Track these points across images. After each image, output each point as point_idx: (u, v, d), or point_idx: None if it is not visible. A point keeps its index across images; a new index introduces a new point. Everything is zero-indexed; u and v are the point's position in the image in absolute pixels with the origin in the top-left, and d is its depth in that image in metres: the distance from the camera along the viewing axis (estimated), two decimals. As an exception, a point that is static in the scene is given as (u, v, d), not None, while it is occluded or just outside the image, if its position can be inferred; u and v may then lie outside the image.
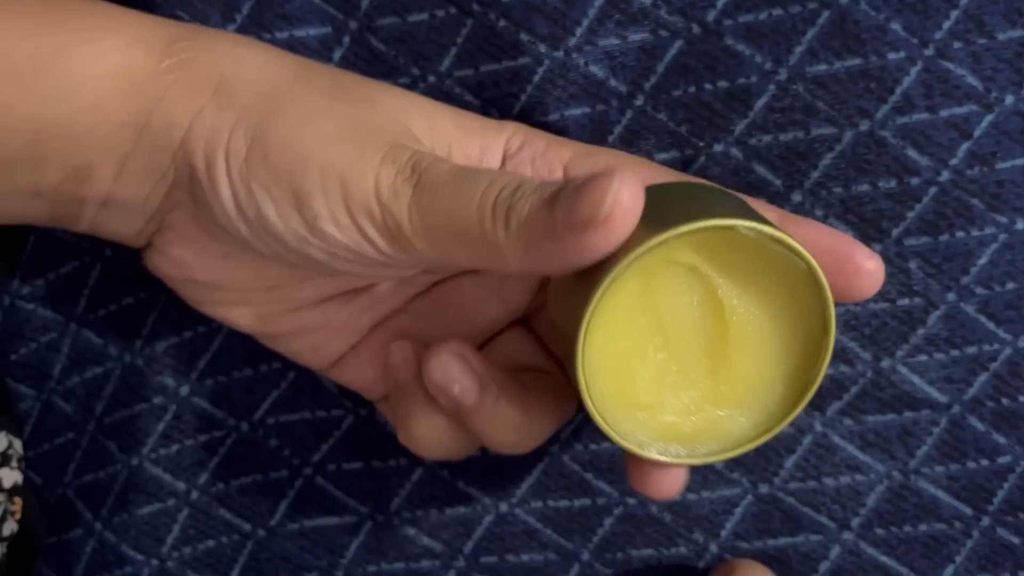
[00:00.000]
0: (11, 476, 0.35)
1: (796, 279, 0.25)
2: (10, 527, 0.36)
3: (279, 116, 0.26)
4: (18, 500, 0.36)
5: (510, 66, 0.30)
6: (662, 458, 0.26)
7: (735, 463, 0.32)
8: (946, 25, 0.29)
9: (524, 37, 0.30)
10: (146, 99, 0.26)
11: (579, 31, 0.30)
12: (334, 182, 0.25)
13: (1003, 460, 0.31)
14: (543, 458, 0.33)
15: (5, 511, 0.35)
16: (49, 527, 0.36)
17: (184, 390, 0.34)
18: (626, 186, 0.22)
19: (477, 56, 0.30)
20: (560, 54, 0.30)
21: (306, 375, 0.33)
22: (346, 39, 0.31)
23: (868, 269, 0.26)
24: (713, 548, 0.33)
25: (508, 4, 0.30)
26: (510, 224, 0.23)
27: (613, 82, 0.30)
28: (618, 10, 0.29)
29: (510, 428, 0.27)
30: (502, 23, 0.30)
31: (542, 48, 0.30)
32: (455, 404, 0.27)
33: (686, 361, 0.26)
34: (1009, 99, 0.29)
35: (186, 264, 0.28)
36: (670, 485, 0.27)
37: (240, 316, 0.29)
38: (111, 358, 0.35)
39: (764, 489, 0.32)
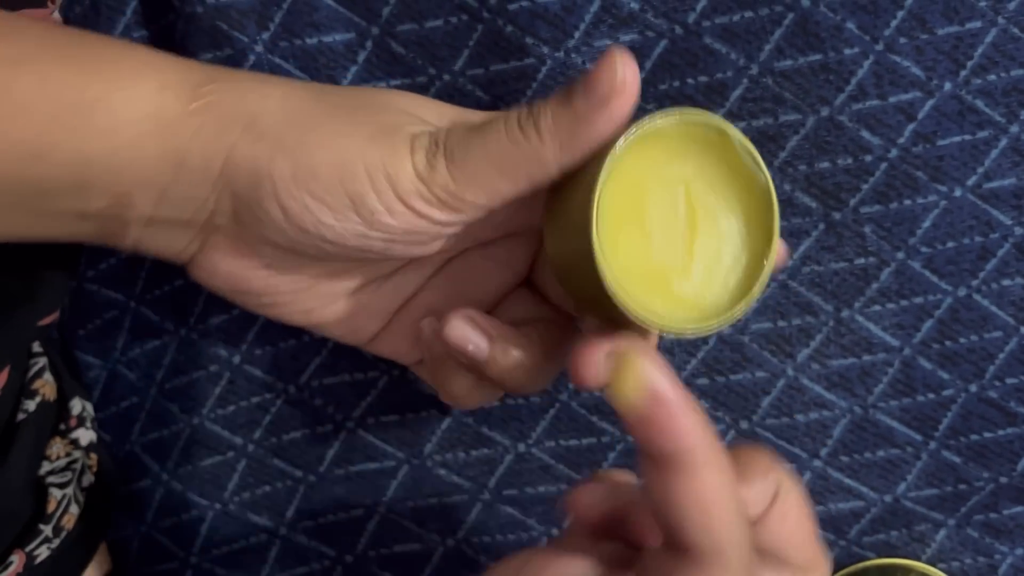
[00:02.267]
0: (87, 435, 0.40)
1: (755, 192, 0.28)
2: (88, 479, 0.40)
3: (313, 136, 0.29)
4: (94, 456, 0.40)
5: (517, 66, 0.34)
6: (667, 325, 0.27)
7: (719, 404, 0.37)
8: (893, 23, 0.33)
9: (529, 40, 0.34)
10: (179, 138, 0.29)
11: (577, 34, 0.34)
12: (381, 178, 0.28)
13: (947, 393, 0.36)
14: (555, 404, 0.38)
15: (83, 466, 0.40)
16: (120, 479, 0.41)
17: (236, 359, 0.38)
18: (624, 54, 0.26)
19: (487, 57, 0.35)
20: (561, 54, 0.34)
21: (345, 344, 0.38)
22: (368, 43, 0.35)
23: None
24: (702, 476, 0.38)
25: (514, 11, 0.34)
26: (541, 130, 0.27)
27: (607, 79, 0.34)
28: (610, 15, 0.34)
29: (522, 372, 0.31)
30: (509, 28, 0.34)
31: (545, 49, 0.34)
32: (472, 359, 0.30)
33: (667, 246, 0.28)
34: (947, 86, 0.33)
35: (231, 277, 0.31)
36: (604, 374, 0.27)
37: (288, 314, 0.32)
38: (168, 332, 0.39)
39: (744, 425, 0.37)
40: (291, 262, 0.31)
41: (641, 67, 0.34)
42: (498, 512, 0.39)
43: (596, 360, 0.26)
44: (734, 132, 0.27)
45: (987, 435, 0.36)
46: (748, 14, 0.33)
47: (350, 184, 0.28)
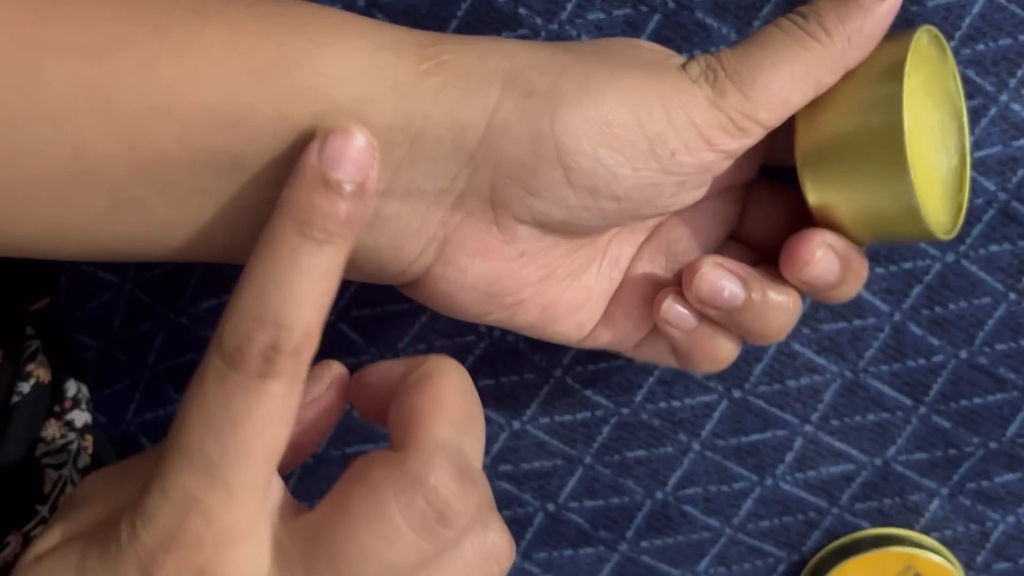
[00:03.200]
0: (82, 417, 0.40)
1: (951, 110, 0.30)
2: (83, 460, 0.40)
3: (593, 82, 0.26)
4: (88, 437, 0.40)
5: (509, 36, 0.34)
6: (945, 236, 0.29)
7: (712, 374, 0.38)
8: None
9: (522, 11, 0.34)
10: (411, 102, 0.25)
11: (570, 6, 0.34)
12: (680, 113, 0.26)
13: (937, 359, 0.37)
14: (549, 380, 0.38)
15: (79, 447, 0.40)
16: (115, 459, 0.41)
17: (231, 335, 0.38)
18: None
19: (477, 28, 0.35)
20: (554, 27, 0.34)
21: (335, 327, 0.38)
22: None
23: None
24: (695, 446, 0.38)
25: (506, -16, 0.34)
26: (830, 30, 0.27)
27: (601, 52, 0.34)
28: (603, -12, 0.34)
29: (782, 311, 0.30)
30: (500, 0, 0.34)
31: (539, 21, 0.34)
32: (727, 307, 0.29)
33: (921, 155, 0.29)
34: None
35: (482, 279, 0.28)
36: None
37: (524, 314, 0.30)
38: (159, 315, 0.39)
39: (737, 394, 0.38)
40: (542, 244, 0.28)
41: (634, 40, 0.34)
42: (494, 488, 0.39)
43: (814, 248, 0.29)
44: (951, 54, 0.30)
45: (977, 401, 0.37)
46: (739, -13, 0.34)
47: (649, 125, 0.26)
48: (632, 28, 0.34)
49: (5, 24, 0.23)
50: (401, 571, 0.24)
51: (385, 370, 0.27)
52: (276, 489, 0.25)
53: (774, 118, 0.28)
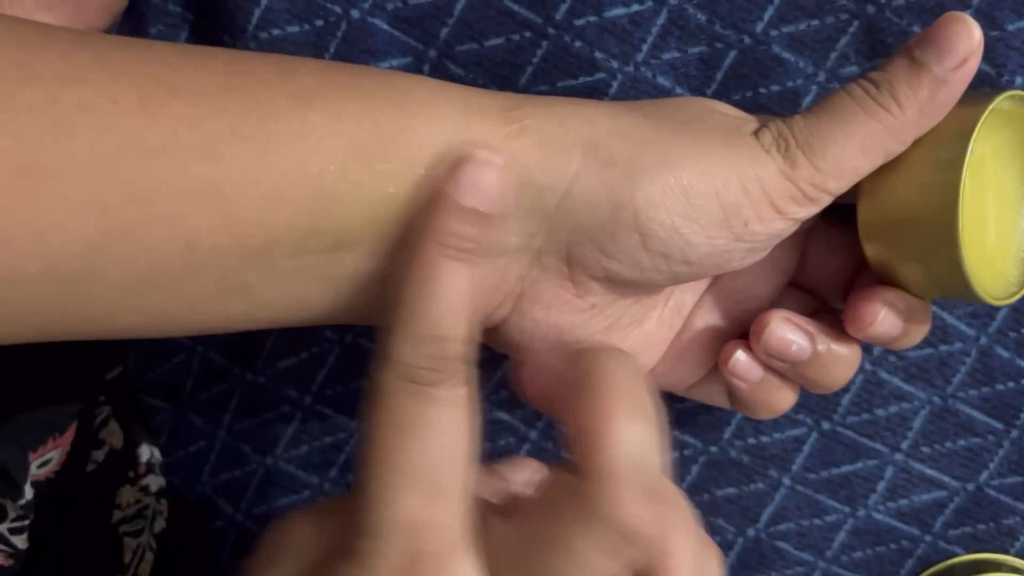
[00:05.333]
0: (156, 481, 0.40)
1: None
2: (159, 525, 0.40)
3: (674, 152, 0.27)
4: (163, 501, 0.40)
5: (587, 81, 0.34)
6: (996, 302, 0.29)
7: (799, 406, 0.37)
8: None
9: (599, 55, 0.34)
10: None
11: (645, 47, 0.34)
12: (753, 185, 0.27)
13: (1026, 381, 0.37)
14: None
15: (154, 512, 0.39)
16: (191, 522, 0.40)
17: (307, 400, 0.38)
18: (967, 16, 0.27)
19: (554, 74, 0.34)
20: (631, 68, 0.34)
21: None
22: (426, 67, 0.35)
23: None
24: (786, 481, 0.38)
25: (581, 26, 0.33)
26: (901, 100, 0.27)
27: (679, 90, 0.34)
28: (677, 27, 0.33)
29: (846, 364, 0.30)
30: (577, 43, 0.34)
31: (615, 64, 0.34)
32: (793, 361, 0.30)
33: (982, 221, 0.29)
34: (1018, 79, 0.34)
35: (554, 329, 0.29)
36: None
37: None
38: (235, 376, 0.38)
39: (826, 426, 0.37)
40: (611, 297, 0.29)
41: (712, 79, 0.34)
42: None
43: (878, 308, 0.29)
44: None
45: (1071, 421, 0.37)
46: (814, 23, 0.33)
47: (725, 196, 0.27)
48: (708, 65, 0.34)
49: (117, 130, 0.24)
50: None
51: (546, 364, 0.28)
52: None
53: (843, 186, 0.28)
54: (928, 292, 0.30)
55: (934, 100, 0.27)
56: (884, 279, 0.30)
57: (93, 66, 0.24)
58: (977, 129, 0.27)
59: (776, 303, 0.32)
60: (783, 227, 0.28)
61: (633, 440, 0.24)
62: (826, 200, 0.28)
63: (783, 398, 0.31)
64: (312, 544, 0.25)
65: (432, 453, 0.24)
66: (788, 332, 0.30)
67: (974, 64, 0.27)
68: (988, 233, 0.29)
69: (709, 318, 0.32)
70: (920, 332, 0.31)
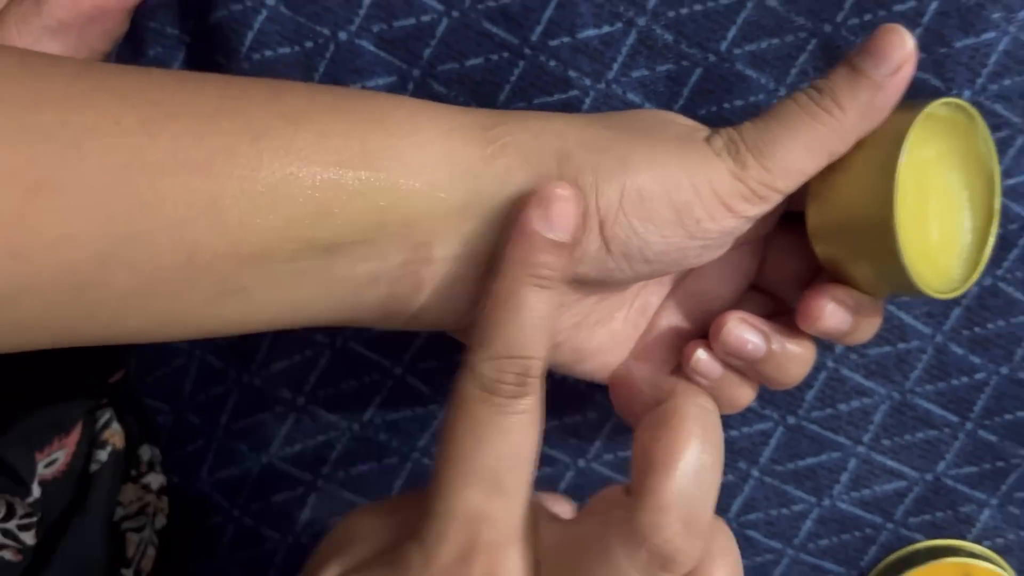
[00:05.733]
0: (157, 479, 0.41)
1: (981, 174, 0.31)
2: (161, 521, 0.42)
3: (632, 160, 0.29)
4: (164, 498, 0.42)
5: (561, 98, 0.36)
6: (938, 295, 0.30)
7: (766, 402, 0.39)
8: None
9: (572, 74, 0.36)
10: (480, 182, 0.28)
11: (616, 66, 0.36)
12: (704, 186, 0.29)
13: (979, 376, 0.39)
14: (610, 419, 0.40)
15: (155, 509, 0.41)
16: (191, 518, 0.42)
17: (300, 400, 0.40)
18: (901, 26, 0.29)
19: (530, 91, 0.36)
20: (602, 86, 0.36)
21: (401, 383, 0.40)
22: (410, 85, 0.37)
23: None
24: (755, 473, 0.40)
25: (555, 47, 0.36)
26: (842, 103, 0.29)
27: (648, 106, 0.36)
28: (646, 47, 0.35)
29: (800, 362, 0.32)
30: (552, 63, 0.36)
31: (587, 82, 0.36)
32: (749, 359, 0.32)
33: (922, 220, 0.30)
34: (967, 93, 0.36)
35: None
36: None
37: (552, 356, 0.32)
38: (231, 378, 0.40)
39: (791, 420, 0.39)
40: (577, 296, 0.32)
41: (679, 95, 0.36)
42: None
43: (825, 304, 0.31)
44: (981, 120, 0.31)
45: (1020, 414, 0.39)
46: (775, 41, 0.35)
47: (677, 197, 0.29)
48: (675, 82, 0.36)
49: (121, 148, 0.25)
50: None
51: (638, 383, 0.32)
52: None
53: (791, 186, 0.30)
54: (876, 289, 0.32)
55: (872, 104, 0.29)
56: (836, 278, 0.32)
57: (97, 92, 0.26)
58: (910, 133, 0.29)
59: (737, 305, 0.34)
60: (735, 224, 0.30)
61: (688, 481, 0.26)
62: (776, 198, 0.30)
63: (742, 394, 0.33)
64: (381, 531, 0.29)
65: (501, 456, 0.27)
66: (744, 332, 0.32)
67: (908, 70, 0.29)
68: (931, 232, 0.31)
69: (673, 318, 0.34)
70: (870, 327, 0.32)
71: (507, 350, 0.28)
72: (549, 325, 0.28)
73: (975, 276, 0.31)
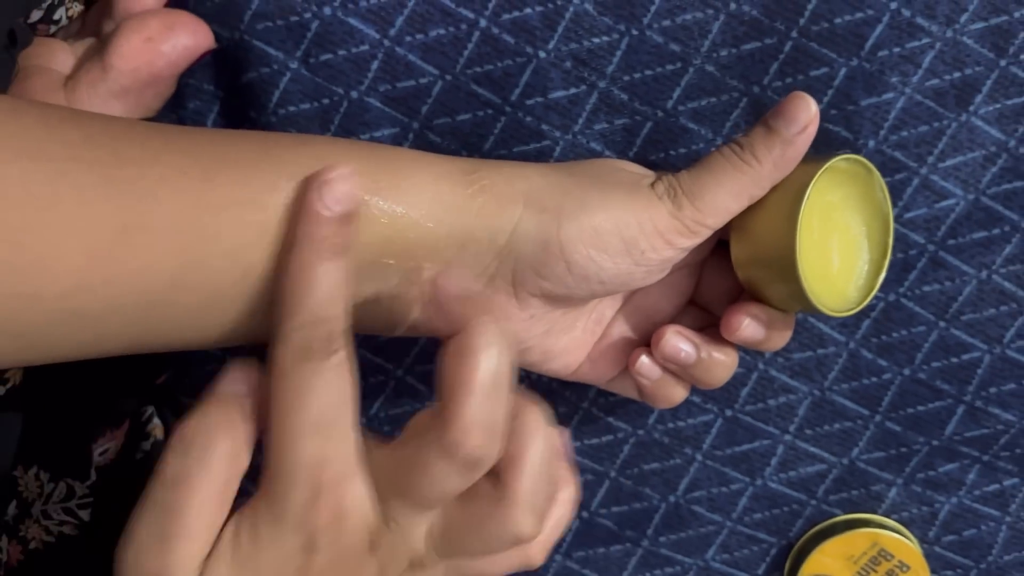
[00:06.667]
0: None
1: (877, 217, 0.37)
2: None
3: (590, 202, 0.34)
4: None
5: (536, 147, 0.42)
6: (835, 314, 0.37)
7: (708, 398, 0.46)
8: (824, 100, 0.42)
9: (544, 127, 0.42)
10: (464, 217, 0.34)
11: (580, 120, 0.42)
12: (648, 224, 0.35)
13: (886, 376, 0.45)
14: (578, 411, 0.46)
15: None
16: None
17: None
18: (806, 95, 0.35)
19: (510, 142, 0.43)
20: (570, 137, 0.43)
21: (402, 383, 0.46)
22: (411, 136, 0.43)
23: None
24: (698, 457, 0.47)
25: (531, 105, 0.42)
26: (759, 156, 0.35)
27: (608, 153, 0.43)
28: (606, 104, 0.42)
29: (724, 367, 0.38)
30: (528, 119, 0.42)
31: (557, 134, 0.42)
32: (682, 364, 0.37)
33: (826, 251, 0.36)
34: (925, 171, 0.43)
35: None
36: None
37: (525, 357, 0.38)
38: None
39: (729, 413, 0.46)
40: (545, 309, 0.37)
41: (633, 144, 0.43)
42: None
43: (742, 318, 0.37)
44: (877, 172, 0.37)
45: (920, 408, 0.45)
46: (713, 99, 0.42)
47: (626, 233, 0.35)
48: (630, 134, 0.43)
49: (188, 193, 0.31)
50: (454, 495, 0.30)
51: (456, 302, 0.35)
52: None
53: (719, 223, 0.36)
54: (786, 306, 0.38)
55: (784, 156, 0.35)
56: (754, 297, 0.38)
57: (166, 150, 0.32)
58: (814, 182, 0.35)
59: (676, 318, 0.40)
60: (673, 254, 0.36)
61: (486, 393, 0.29)
62: (706, 233, 0.36)
63: (677, 393, 0.39)
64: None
65: (326, 406, 0.30)
66: (679, 342, 0.38)
67: (813, 130, 0.35)
68: (832, 262, 0.37)
69: (623, 328, 0.40)
70: (782, 337, 0.39)
71: (313, 316, 0.30)
72: (344, 288, 0.31)
73: (868, 299, 0.38)
